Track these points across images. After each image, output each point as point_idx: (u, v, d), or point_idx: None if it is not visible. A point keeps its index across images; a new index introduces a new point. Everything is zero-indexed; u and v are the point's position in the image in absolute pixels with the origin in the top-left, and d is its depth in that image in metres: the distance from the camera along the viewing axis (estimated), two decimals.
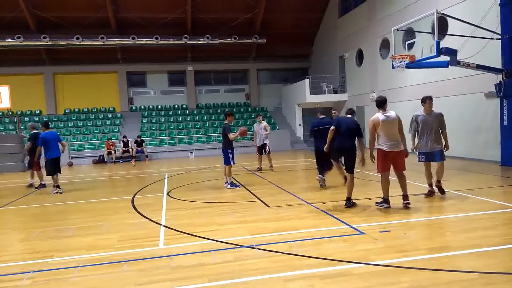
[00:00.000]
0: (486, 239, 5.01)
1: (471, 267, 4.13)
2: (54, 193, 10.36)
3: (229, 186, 9.99)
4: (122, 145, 20.80)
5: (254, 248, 5.04)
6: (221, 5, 23.50)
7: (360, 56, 21.61)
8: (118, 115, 25.78)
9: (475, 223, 5.76)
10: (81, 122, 24.74)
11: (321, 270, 4.20)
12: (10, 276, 4.52)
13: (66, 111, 25.57)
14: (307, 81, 22.70)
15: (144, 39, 23.42)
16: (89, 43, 22.91)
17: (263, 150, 13.34)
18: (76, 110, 25.75)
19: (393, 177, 6.94)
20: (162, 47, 24.54)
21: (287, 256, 4.68)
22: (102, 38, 22.66)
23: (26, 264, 4.90)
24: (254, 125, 13.79)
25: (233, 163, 10.08)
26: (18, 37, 21.72)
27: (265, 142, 13.28)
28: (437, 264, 4.21)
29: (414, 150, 7.85)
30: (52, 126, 23.95)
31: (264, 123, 13.45)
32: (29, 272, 4.57)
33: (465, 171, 11.02)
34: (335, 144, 7.33)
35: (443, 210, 6.60)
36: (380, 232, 5.47)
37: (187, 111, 26.83)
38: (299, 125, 24.74)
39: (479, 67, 11.48)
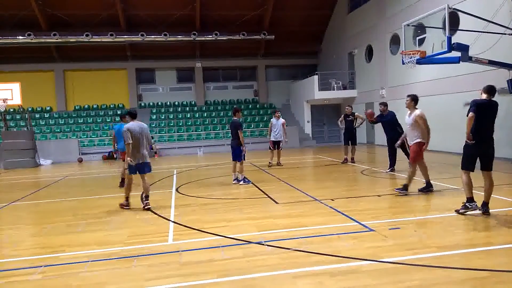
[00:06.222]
0: (498, 237, 4.96)
1: (482, 265, 4.08)
2: None
3: (241, 182, 9.98)
4: None
5: (263, 244, 5.04)
6: (229, 2, 23.43)
7: (369, 52, 21.42)
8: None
9: (486, 221, 5.69)
10: (91, 119, 24.92)
11: (330, 267, 4.19)
12: (21, 271, 4.57)
13: (76, 108, 25.78)
14: (315, 77, 22.56)
15: (153, 36, 23.46)
16: (99, 40, 23.00)
17: (276, 146, 13.33)
18: (86, 106, 25.95)
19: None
20: (171, 44, 24.56)
21: (296, 253, 4.67)
22: (111, 35, 22.76)
23: (37, 258, 4.96)
24: (271, 119, 13.61)
25: (244, 159, 10.10)
26: (29, 35, 21.90)
27: (281, 138, 13.24)
28: (448, 262, 4.17)
29: None
30: (62, 122, 24.33)
31: (282, 120, 13.41)
32: (40, 266, 4.63)
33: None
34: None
35: (454, 208, 6.52)
36: (389, 229, 5.42)
37: (196, 108, 26.88)
38: (308, 121, 24.64)
39: (491, 62, 11.30)
